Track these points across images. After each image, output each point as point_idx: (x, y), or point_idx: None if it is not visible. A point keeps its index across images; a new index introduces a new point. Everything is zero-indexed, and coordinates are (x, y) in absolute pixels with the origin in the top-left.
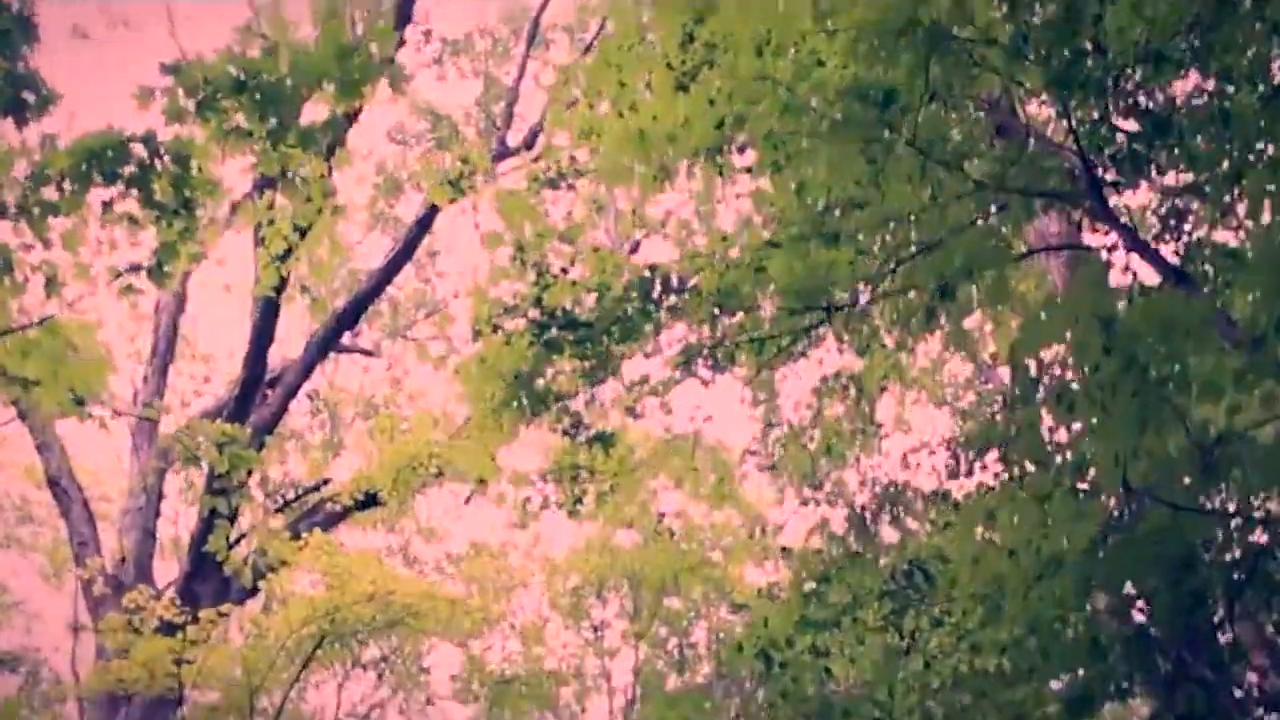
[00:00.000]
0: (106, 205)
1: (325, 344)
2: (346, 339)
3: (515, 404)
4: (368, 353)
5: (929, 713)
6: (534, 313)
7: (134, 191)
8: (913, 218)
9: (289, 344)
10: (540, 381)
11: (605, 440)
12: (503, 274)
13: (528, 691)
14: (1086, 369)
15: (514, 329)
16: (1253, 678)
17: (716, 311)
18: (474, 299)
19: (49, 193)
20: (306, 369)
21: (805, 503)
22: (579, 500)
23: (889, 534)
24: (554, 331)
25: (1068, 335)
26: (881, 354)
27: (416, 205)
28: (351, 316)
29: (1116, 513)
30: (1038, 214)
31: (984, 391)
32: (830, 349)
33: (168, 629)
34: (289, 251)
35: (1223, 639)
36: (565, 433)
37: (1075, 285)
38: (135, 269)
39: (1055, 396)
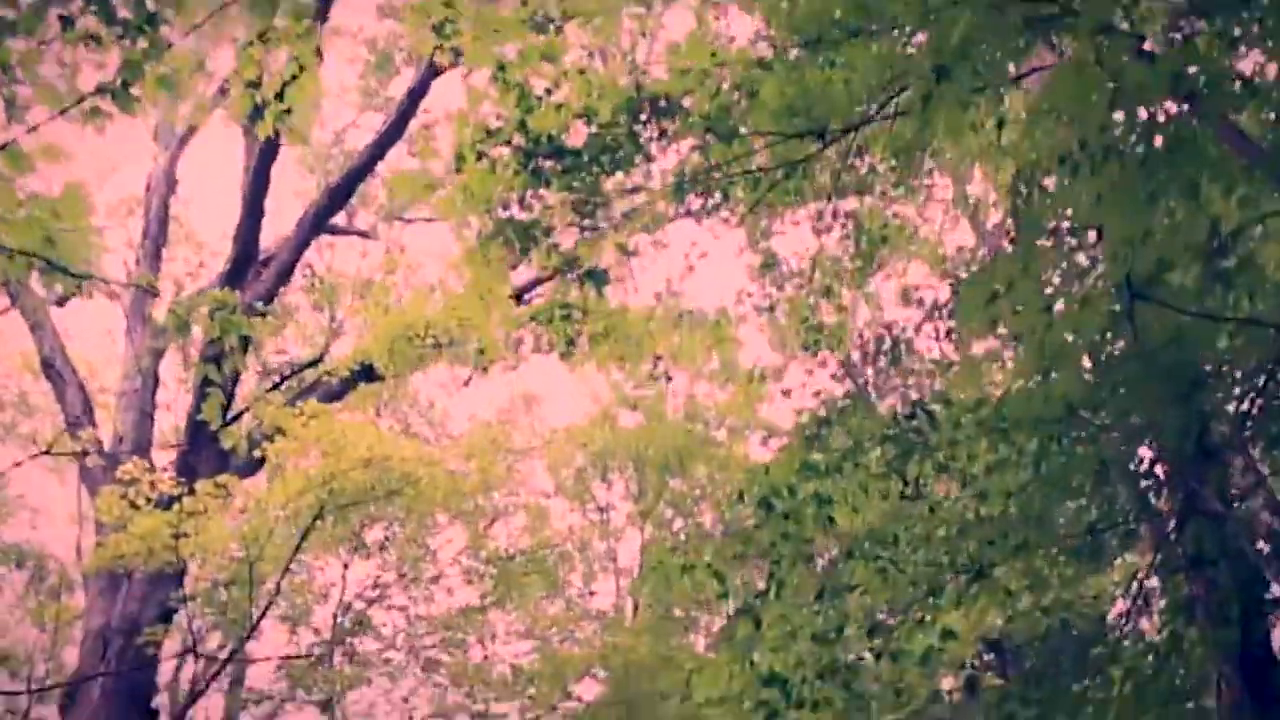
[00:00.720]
0: (66, 21)
1: (318, 221)
2: (342, 220)
3: (502, 239)
4: (363, 234)
5: (935, 562)
6: (519, 139)
7: (93, 7)
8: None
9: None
10: (527, 215)
11: (597, 278)
12: (483, 96)
13: (533, 568)
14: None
15: (498, 156)
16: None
17: (708, 137)
18: (456, 124)
19: (6, 11)
20: (300, 246)
21: (805, 347)
22: (571, 342)
23: (890, 377)
24: (540, 161)
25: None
26: (880, 193)
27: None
28: (344, 192)
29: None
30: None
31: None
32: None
33: (166, 506)
34: (281, 96)
35: (1233, 469)
36: (556, 270)
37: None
38: (100, 91)
39: (1058, 159)
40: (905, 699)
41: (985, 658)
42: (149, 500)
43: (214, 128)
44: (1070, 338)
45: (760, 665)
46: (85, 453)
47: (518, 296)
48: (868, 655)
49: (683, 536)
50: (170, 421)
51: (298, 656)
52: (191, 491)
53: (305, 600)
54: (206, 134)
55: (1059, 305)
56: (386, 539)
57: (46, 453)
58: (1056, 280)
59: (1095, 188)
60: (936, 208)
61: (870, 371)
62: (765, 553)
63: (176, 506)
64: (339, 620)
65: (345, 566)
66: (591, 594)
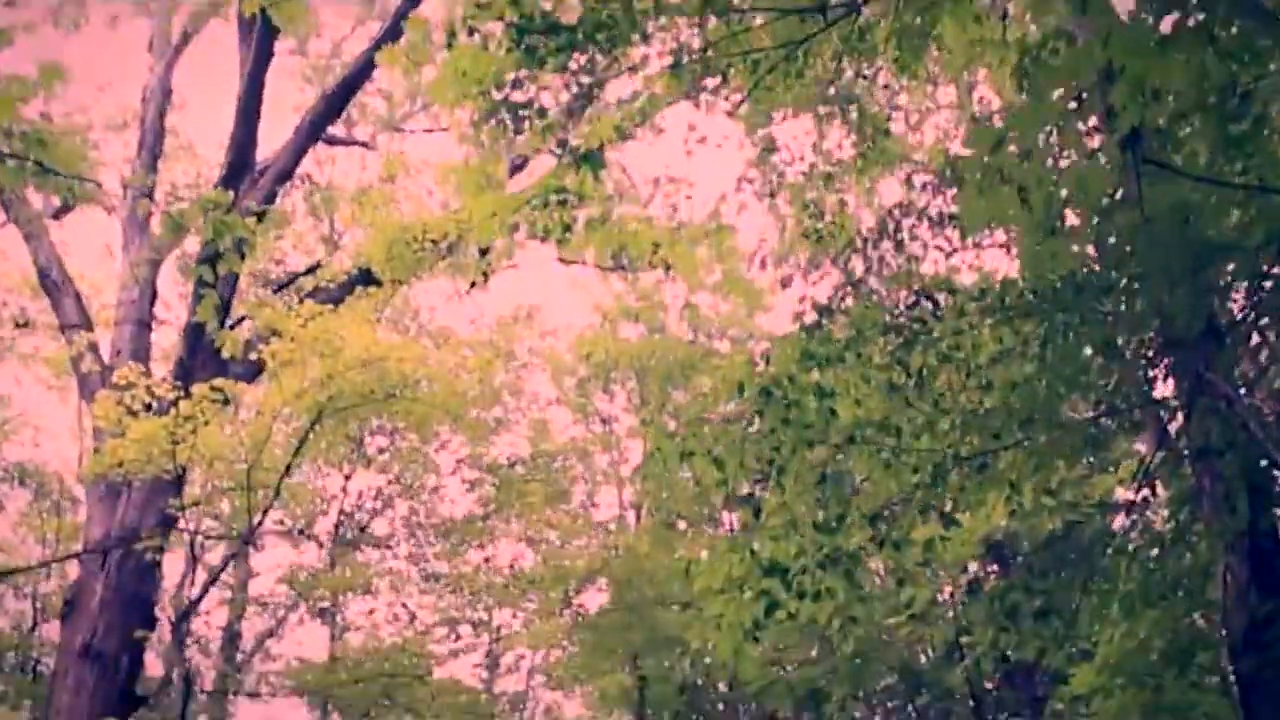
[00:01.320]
0: None
1: (316, 127)
2: (340, 131)
3: (496, 121)
4: (363, 144)
5: (939, 449)
6: (511, 14)
7: None
8: None
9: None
10: (520, 95)
11: (593, 161)
12: None
13: (535, 475)
14: None
15: (490, 33)
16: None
17: (706, 13)
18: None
19: None
20: (298, 152)
21: (806, 235)
22: (567, 229)
23: (893, 264)
24: (533, 38)
25: None
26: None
27: None
28: (341, 98)
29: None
30: None
31: None
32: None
33: (164, 414)
34: None
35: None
36: (551, 152)
37: None
38: None
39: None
40: (908, 591)
41: (988, 567)
42: (147, 408)
43: (210, 40)
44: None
45: (761, 554)
46: (80, 355)
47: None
48: (870, 545)
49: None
50: (170, 340)
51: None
52: (188, 396)
53: (307, 510)
54: (203, 48)
55: (1065, 161)
56: (387, 449)
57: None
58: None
59: (1103, 27)
60: (940, 115)
61: (873, 259)
62: (765, 438)
63: (173, 411)
64: (340, 530)
65: (346, 477)
66: (594, 505)
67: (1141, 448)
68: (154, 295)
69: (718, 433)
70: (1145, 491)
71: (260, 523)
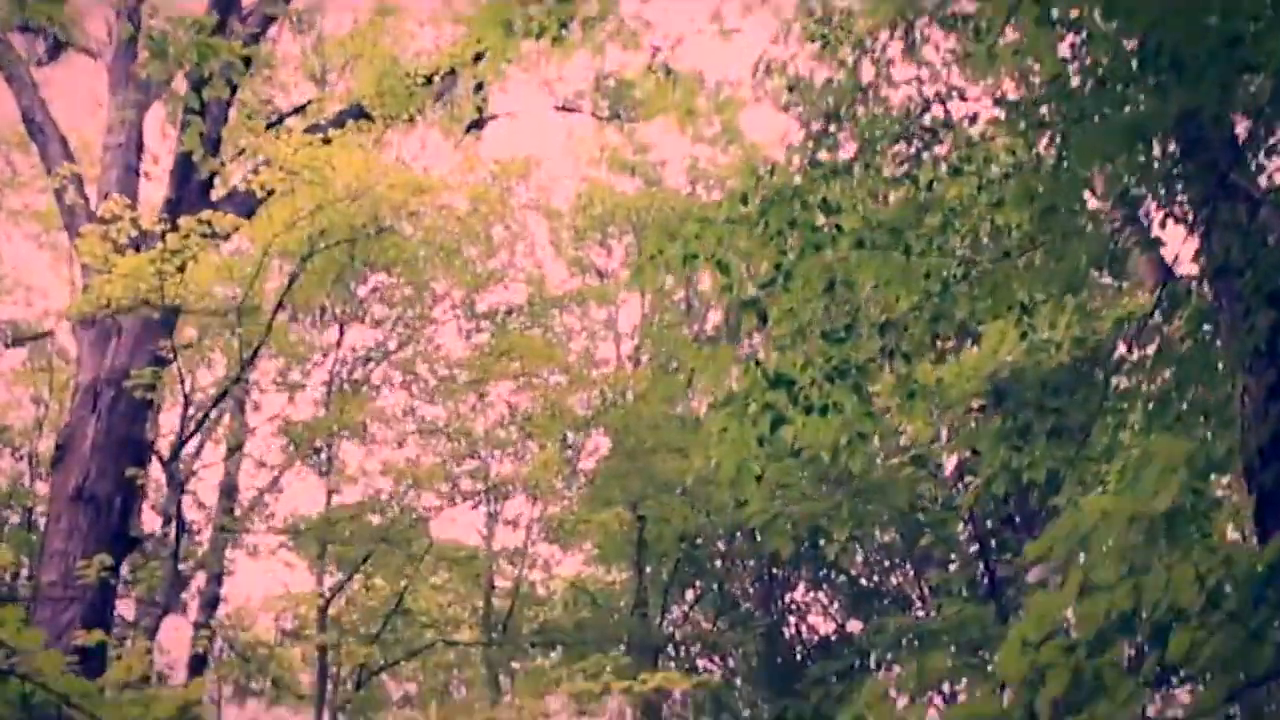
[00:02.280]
0: None
1: None
2: None
3: None
4: None
5: (950, 253)
6: None
7: None
8: None
9: None
10: None
11: None
12: None
13: (532, 320)
14: None
15: None
16: None
17: None
18: None
19: None
20: None
21: (811, 39)
22: (564, 25)
23: (904, 71)
24: None
25: None
26: None
27: None
28: None
29: None
30: None
31: None
32: None
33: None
34: None
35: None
36: None
37: None
38: None
39: None
40: (916, 402)
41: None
42: (135, 249)
43: None
44: None
45: (766, 365)
46: (64, 188)
47: None
48: (879, 357)
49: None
50: (160, 196)
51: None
52: (175, 229)
53: (301, 364)
54: None
55: None
56: (379, 290)
57: None
58: None
59: None
60: None
61: (882, 62)
62: (772, 240)
63: (160, 245)
64: (334, 381)
65: (340, 329)
66: (592, 362)
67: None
68: (141, 140)
69: (722, 234)
70: (1161, 311)
71: (252, 360)
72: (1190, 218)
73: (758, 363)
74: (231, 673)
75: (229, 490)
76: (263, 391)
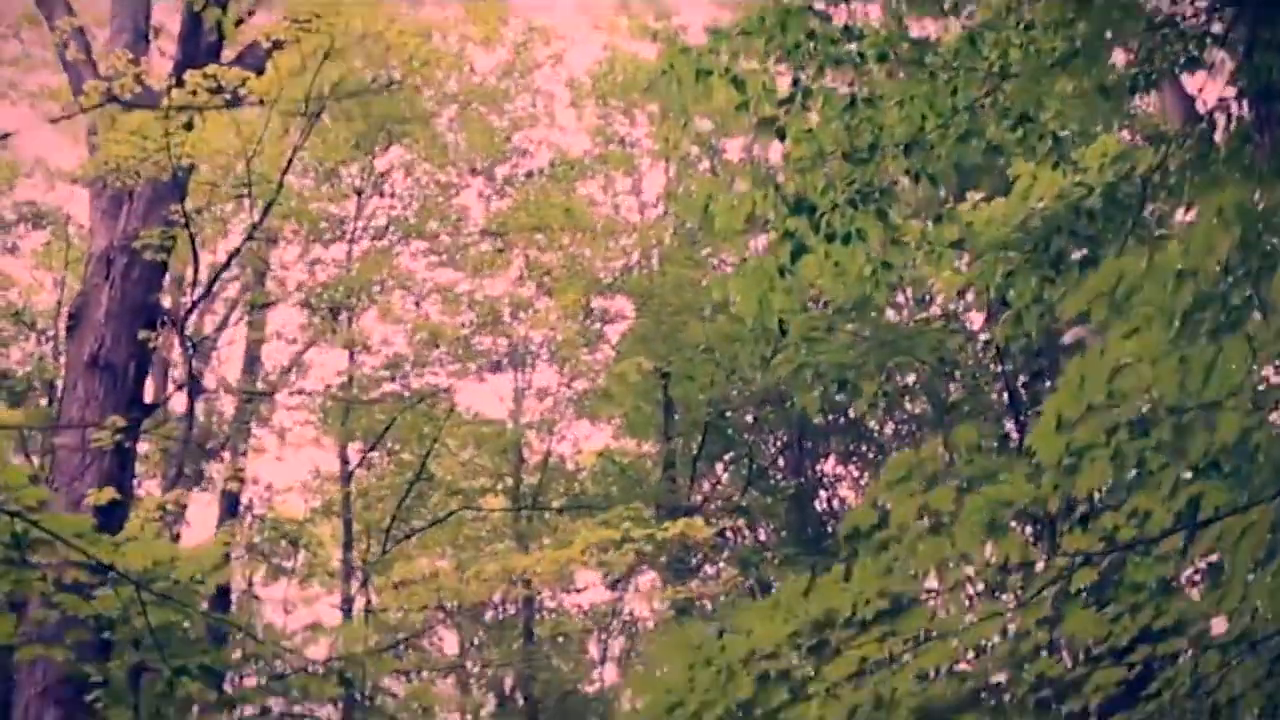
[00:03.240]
0: None
1: None
2: None
3: None
4: None
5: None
6: None
7: None
8: None
9: None
10: None
11: None
12: None
13: (558, 180)
14: None
15: None
16: None
17: None
18: None
19: None
20: None
21: None
22: None
23: None
24: None
25: None
26: None
27: None
28: None
29: None
30: None
31: None
32: None
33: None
34: None
35: None
36: None
37: None
38: None
39: None
40: (944, 251)
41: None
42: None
43: None
44: None
45: (786, 187)
46: (65, 43)
47: None
48: (904, 179)
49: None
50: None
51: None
52: (181, 84)
53: (321, 234)
54: None
55: None
56: (400, 166)
57: None
58: None
59: None
60: None
61: None
62: (790, 54)
63: (166, 101)
64: (355, 248)
65: (360, 197)
66: (616, 231)
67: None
68: (149, 9)
69: (738, 48)
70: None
71: (264, 216)
72: (1231, 36)
73: (776, 186)
74: (261, 548)
75: (251, 363)
76: (285, 268)
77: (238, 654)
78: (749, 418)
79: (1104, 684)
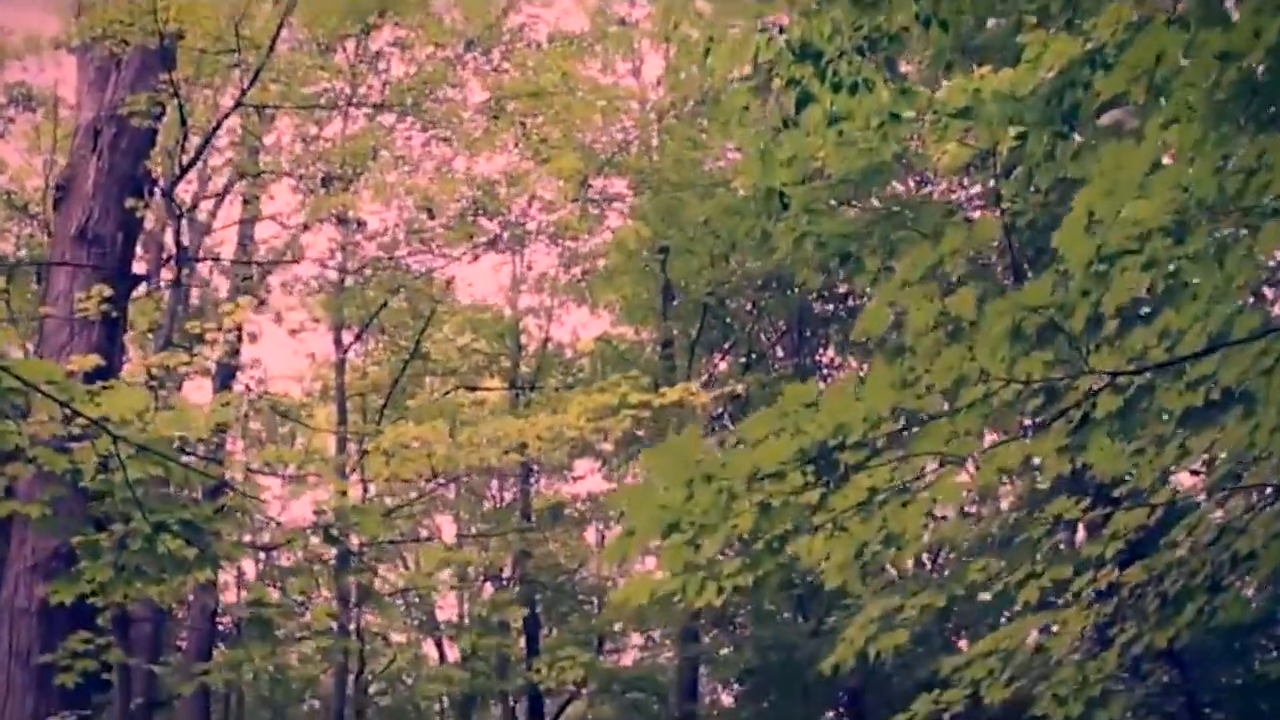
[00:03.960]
0: None
1: None
2: None
3: None
4: None
5: None
6: None
7: None
8: None
9: None
10: None
11: None
12: None
13: (549, 61)
14: None
15: None
16: None
17: None
18: None
19: None
20: None
21: None
22: None
23: None
24: None
25: None
26: None
27: None
28: None
29: None
30: None
31: None
32: None
33: None
34: None
35: None
36: None
37: None
38: None
39: None
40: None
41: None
42: None
43: None
44: None
45: (791, 32)
46: None
47: None
48: (914, 26)
49: None
50: None
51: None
52: None
53: (313, 111)
54: None
55: None
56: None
57: None
58: None
59: None
60: None
61: None
62: None
63: None
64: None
65: (354, 75)
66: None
67: None
68: None
69: None
70: None
71: (253, 82)
72: None
73: (781, 30)
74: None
75: (243, 243)
76: (279, 145)
77: (220, 506)
78: (748, 306)
79: (1124, 528)
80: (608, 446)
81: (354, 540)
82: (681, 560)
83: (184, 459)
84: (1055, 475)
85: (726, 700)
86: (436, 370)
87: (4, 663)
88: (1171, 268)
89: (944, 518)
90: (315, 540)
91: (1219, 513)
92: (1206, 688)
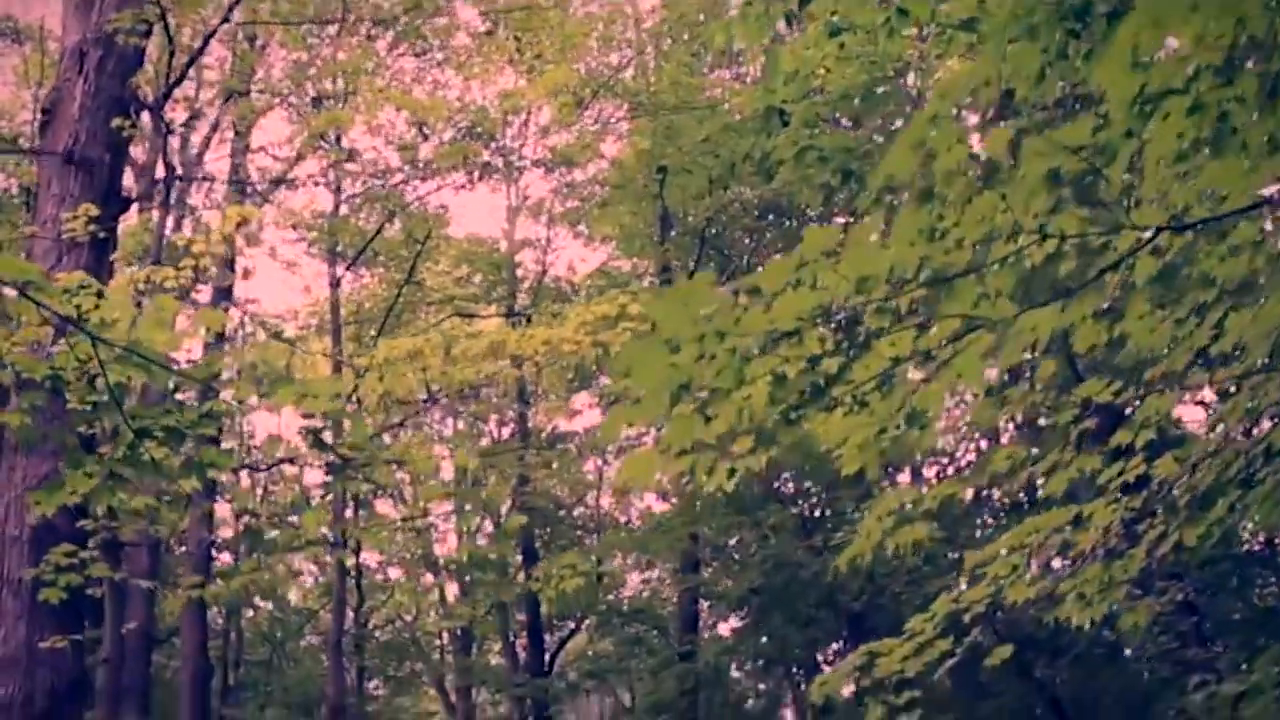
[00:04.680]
0: None
1: None
2: None
3: None
4: None
5: None
6: None
7: None
8: None
9: None
10: None
11: None
12: None
13: None
14: None
15: None
16: None
17: None
18: None
19: None
20: None
21: None
22: None
23: None
24: None
25: None
26: None
27: None
28: None
29: None
30: None
31: None
32: None
33: None
34: None
35: None
36: None
37: None
38: None
39: None
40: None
41: None
42: None
43: None
44: None
45: None
46: None
47: None
48: None
49: None
50: None
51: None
52: None
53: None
54: None
55: None
56: None
57: None
58: None
59: None
60: None
61: None
62: None
63: None
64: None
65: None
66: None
67: None
68: None
69: None
70: None
71: (237, 3)
72: None
73: None
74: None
75: (236, 170)
76: (273, 79)
77: (204, 411)
78: (746, 237)
79: (1156, 411)
80: (606, 380)
81: (341, 450)
82: (690, 434)
83: (166, 363)
84: (1090, 348)
85: (726, 634)
86: (432, 300)
87: None
88: (1217, 114)
89: (968, 400)
90: (303, 449)
91: (1253, 402)
92: (1211, 615)
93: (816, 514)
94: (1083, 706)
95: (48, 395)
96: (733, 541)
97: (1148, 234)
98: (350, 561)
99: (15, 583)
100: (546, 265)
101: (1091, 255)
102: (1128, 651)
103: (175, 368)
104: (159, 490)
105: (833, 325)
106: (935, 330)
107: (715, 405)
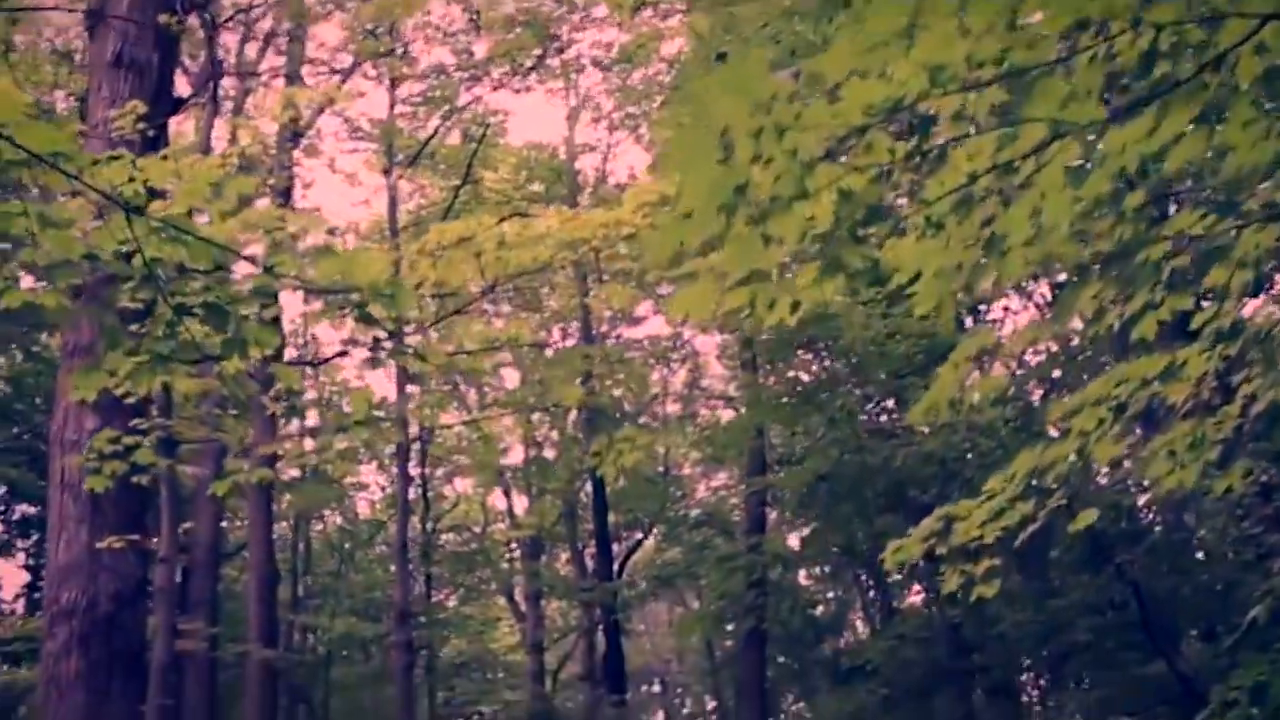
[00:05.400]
0: None
1: None
2: None
3: None
4: None
5: None
6: None
7: None
8: None
9: None
10: None
11: None
12: None
13: None
14: None
15: None
16: None
17: None
18: None
19: None
20: None
21: None
22: None
23: None
24: None
25: None
26: None
27: None
28: None
29: None
30: None
31: None
32: None
33: None
34: None
35: None
36: None
37: None
38: None
39: None
40: None
41: None
42: None
43: None
44: None
45: None
46: None
47: None
48: None
49: None
50: None
51: None
52: None
53: None
54: None
55: None
56: None
57: None
58: None
59: None
60: None
61: None
62: None
63: None
64: None
65: None
66: None
67: None
68: None
69: None
70: None
71: None
72: None
73: None
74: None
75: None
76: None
77: (247, 288)
78: None
79: (1257, 247)
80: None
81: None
82: (749, 258)
83: (205, 235)
84: (1184, 162)
85: (794, 542)
86: (489, 203)
87: (56, 495)
88: None
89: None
90: (350, 322)
91: None
92: None
93: (879, 402)
94: (1158, 599)
95: (88, 275)
96: (799, 432)
97: (1253, 24)
98: (415, 471)
99: (75, 487)
100: (606, 172)
101: (1188, 51)
102: (1200, 555)
103: (212, 239)
104: (221, 397)
105: (905, 130)
106: (1018, 140)
107: (775, 221)
